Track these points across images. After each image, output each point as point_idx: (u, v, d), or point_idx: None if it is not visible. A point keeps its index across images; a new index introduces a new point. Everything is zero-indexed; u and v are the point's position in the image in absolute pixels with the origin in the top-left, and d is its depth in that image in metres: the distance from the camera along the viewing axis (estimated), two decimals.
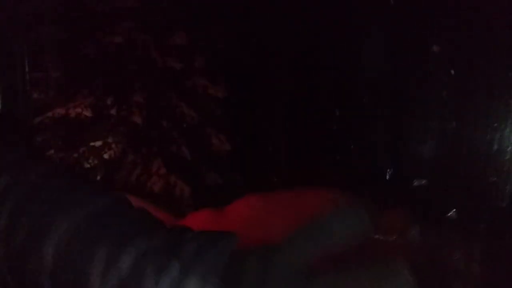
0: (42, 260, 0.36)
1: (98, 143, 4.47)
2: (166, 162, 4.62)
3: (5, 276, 0.39)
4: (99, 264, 0.35)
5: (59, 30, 3.93)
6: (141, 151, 4.54)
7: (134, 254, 0.36)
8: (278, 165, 5.00)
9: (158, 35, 4.40)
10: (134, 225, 0.39)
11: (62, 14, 3.85)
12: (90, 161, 4.49)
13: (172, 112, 4.77)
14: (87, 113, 4.39)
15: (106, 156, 4.48)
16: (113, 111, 4.50)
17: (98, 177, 4.39)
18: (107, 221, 0.38)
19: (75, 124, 4.39)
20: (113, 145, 4.55)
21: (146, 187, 4.27)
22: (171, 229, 0.40)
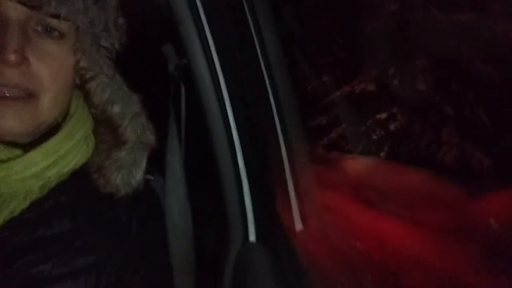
0: None
1: (384, 115, 4.48)
2: (459, 130, 4.10)
3: None
4: None
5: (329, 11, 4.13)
6: (429, 119, 4.23)
7: None
8: None
9: None
10: None
11: None
12: (377, 133, 4.58)
13: (463, 71, 4.15)
14: (371, 87, 4.46)
15: (392, 127, 4.44)
16: (395, 81, 4.39)
17: (386, 149, 4.43)
18: None
19: (360, 99, 4.56)
20: (398, 116, 4.45)
21: (436, 158, 3.95)
22: None
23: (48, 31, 0.67)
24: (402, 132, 4.36)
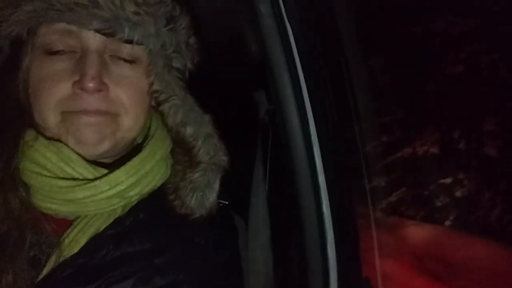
0: None
1: (448, 180, 4.25)
2: None
3: None
4: None
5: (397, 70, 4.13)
6: (500, 187, 3.93)
7: None
8: None
9: (507, 51, 3.78)
10: None
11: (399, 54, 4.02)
12: (442, 199, 4.31)
13: None
14: (434, 149, 4.30)
15: (458, 194, 4.18)
16: (461, 145, 4.20)
17: (451, 217, 4.12)
18: None
19: (423, 161, 4.38)
20: (465, 182, 4.19)
21: (509, 230, 3.61)
22: None
23: (123, 56, 0.71)
24: (470, 199, 4.07)
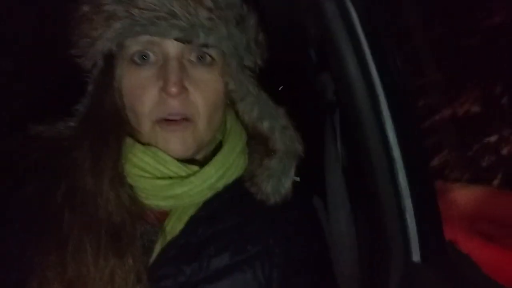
0: None
1: (493, 138, 4.12)
2: None
3: None
4: None
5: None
6: None
7: None
8: None
9: None
10: None
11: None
12: (486, 158, 4.20)
13: None
14: (475, 108, 4.16)
15: (504, 151, 4.05)
16: (504, 100, 4.04)
17: (499, 176, 4.02)
18: None
19: (464, 122, 4.26)
20: (511, 138, 4.06)
21: None
22: None
23: (201, 59, 0.75)
24: None
